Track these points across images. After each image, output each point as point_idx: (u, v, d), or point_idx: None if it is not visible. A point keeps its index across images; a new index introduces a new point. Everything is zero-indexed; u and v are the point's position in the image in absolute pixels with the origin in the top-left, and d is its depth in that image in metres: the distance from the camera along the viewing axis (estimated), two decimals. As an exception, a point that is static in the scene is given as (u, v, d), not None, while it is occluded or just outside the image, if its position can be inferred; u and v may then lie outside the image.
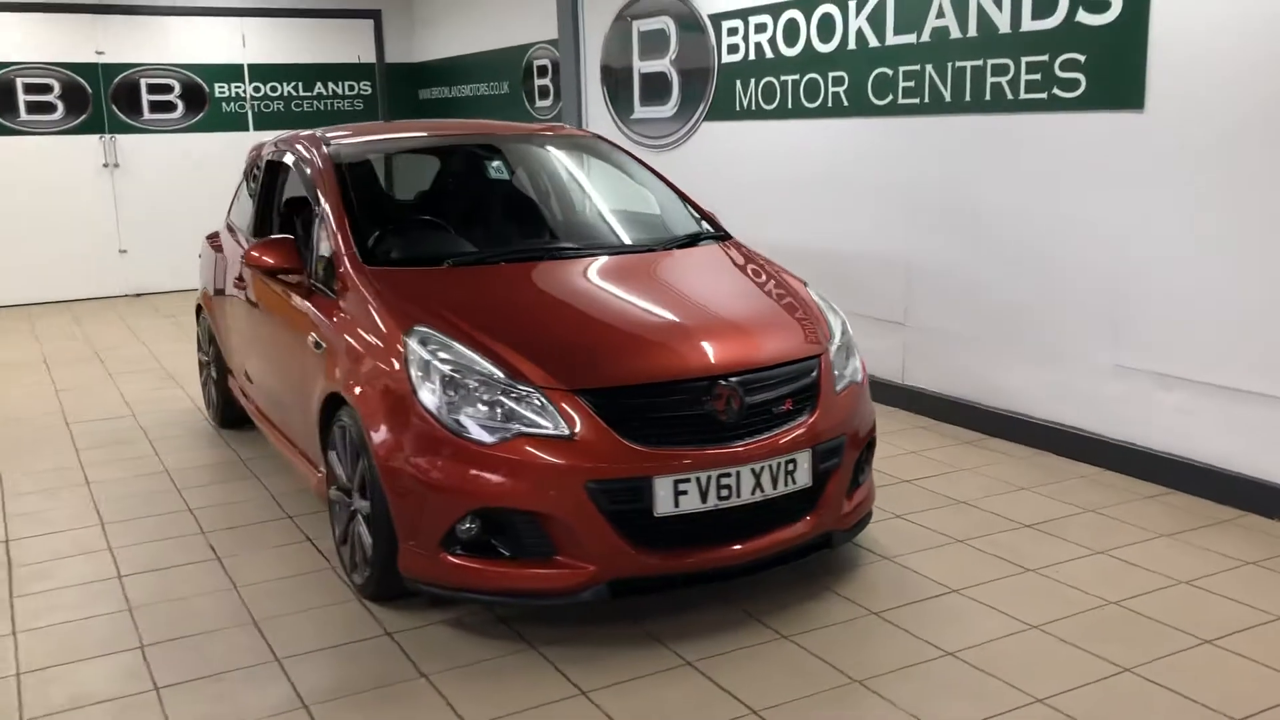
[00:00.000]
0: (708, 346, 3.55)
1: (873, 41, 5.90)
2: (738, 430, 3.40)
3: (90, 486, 5.09)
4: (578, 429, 3.26)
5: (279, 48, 11.54)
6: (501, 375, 3.35)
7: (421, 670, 3.29)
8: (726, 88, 7.08)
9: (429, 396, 3.37)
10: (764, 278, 4.14)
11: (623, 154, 5.03)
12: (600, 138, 5.20)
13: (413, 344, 3.48)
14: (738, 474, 3.35)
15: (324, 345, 3.89)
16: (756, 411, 3.45)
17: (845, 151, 6.18)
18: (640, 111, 8.07)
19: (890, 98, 5.83)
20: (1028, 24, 5.02)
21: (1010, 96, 5.16)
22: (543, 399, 3.29)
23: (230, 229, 5.78)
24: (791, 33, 6.45)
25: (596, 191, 4.86)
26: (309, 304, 4.10)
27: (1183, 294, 4.54)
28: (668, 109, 7.75)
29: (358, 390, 3.59)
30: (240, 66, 11.39)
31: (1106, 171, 4.78)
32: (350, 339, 3.72)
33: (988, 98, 5.28)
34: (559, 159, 5.10)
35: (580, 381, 3.34)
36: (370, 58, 12.00)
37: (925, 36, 5.57)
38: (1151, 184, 4.60)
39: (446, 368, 3.39)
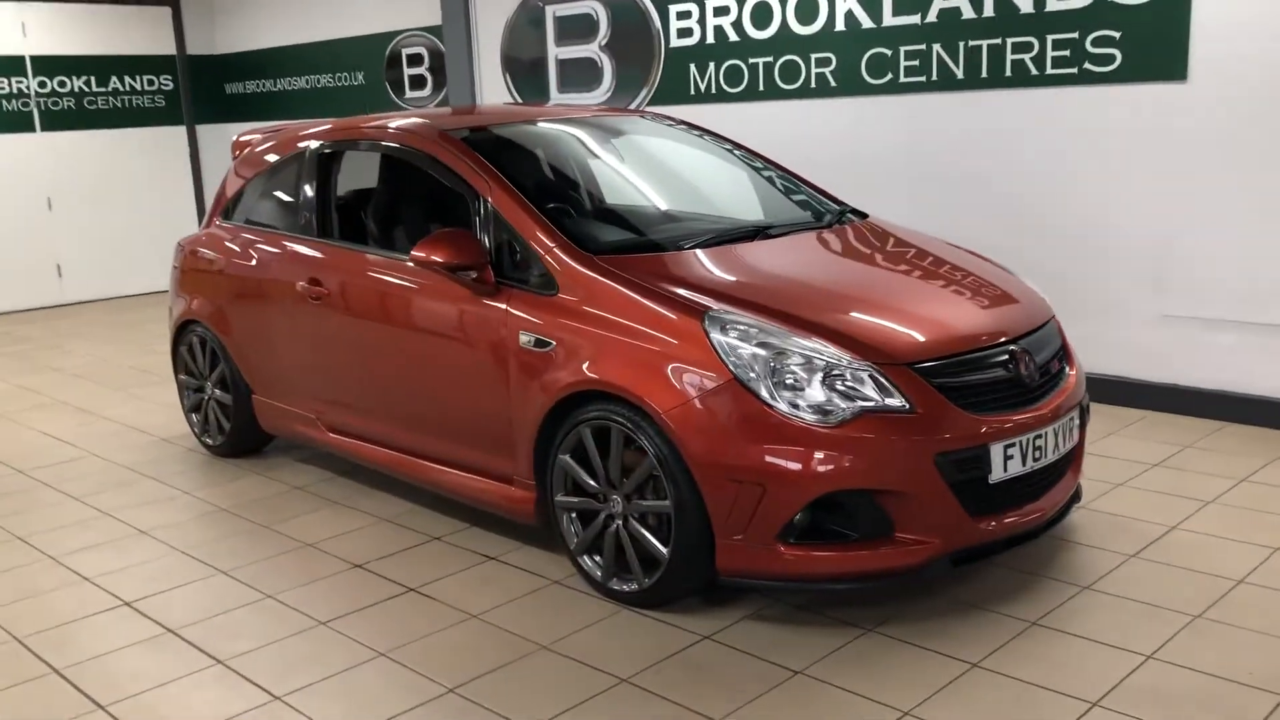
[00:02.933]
0: (995, 313, 3.61)
1: (866, 23, 6.09)
2: (1035, 392, 3.48)
3: (152, 535, 4.41)
4: (918, 402, 3.22)
5: (66, 38, 10.26)
6: (831, 354, 3.24)
7: (789, 667, 3.14)
8: (677, 71, 7.06)
9: (757, 384, 3.21)
10: (954, 248, 4.22)
11: (717, 137, 4.93)
12: (692, 125, 5.06)
13: (715, 333, 3.30)
14: (1046, 434, 3.44)
15: (552, 342, 3.60)
16: (1043, 372, 3.55)
17: (835, 130, 6.34)
18: (560, 98, 7.87)
19: (889, 76, 6.05)
20: (1054, 4, 5.38)
21: (1035, 72, 5.51)
22: (878, 374, 3.23)
23: (236, 232, 5.14)
24: (762, 16, 6.54)
25: (726, 172, 4.74)
26: (503, 303, 3.77)
27: (1229, 246, 5.05)
28: (598, 94, 7.62)
29: (644, 386, 3.35)
30: (21, 59, 10.03)
31: (1147, 139, 5.22)
32: (614, 333, 3.46)
33: (1008, 74, 5.61)
34: (663, 142, 4.92)
35: (909, 354, 3.30)
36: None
37: (931, 17, 5.83)
38: (1195, 147, 5.08)
39: (765, 352, 3.25)
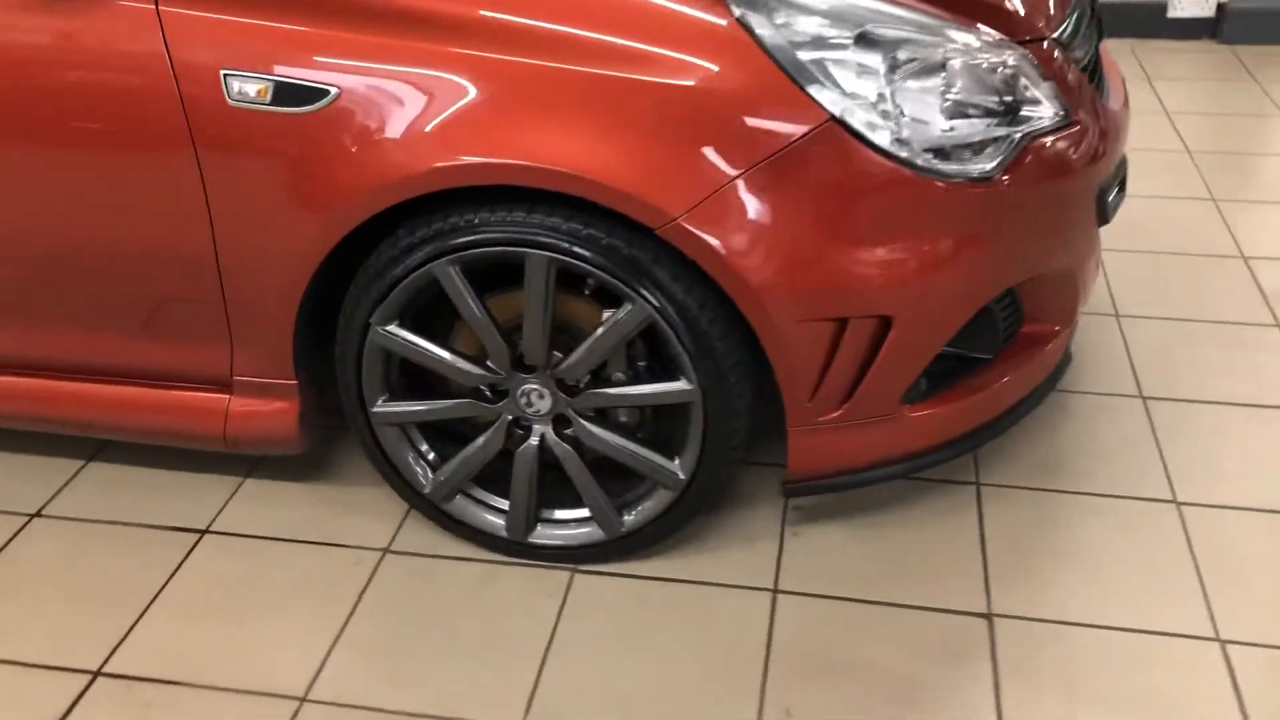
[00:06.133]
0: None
1: None
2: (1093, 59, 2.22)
3: None
4: (1073, 103, 1.80)
5: None
6: (978, 39, 1.66)
7: (974, 610, 1.81)
8: None
9: (873, 121, 1.57)
10: None
11: None
12: None
13: (763, 27, 1.54)
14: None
15: (332, 89, 1.57)
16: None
17: None
18: None
19: None
20: None
21: None
22: (1029, 64, 1.73)
23: None
24: None
25: None
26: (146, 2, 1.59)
27: None
28: None
29: (621, 167, 1.54)
30: None
31: None
32: (509, 52, 1.54)
33: None
34: None
35: (1035, 24, 1.81)
36: None
37: None
38: None
39: (872, 55, 1.59)
